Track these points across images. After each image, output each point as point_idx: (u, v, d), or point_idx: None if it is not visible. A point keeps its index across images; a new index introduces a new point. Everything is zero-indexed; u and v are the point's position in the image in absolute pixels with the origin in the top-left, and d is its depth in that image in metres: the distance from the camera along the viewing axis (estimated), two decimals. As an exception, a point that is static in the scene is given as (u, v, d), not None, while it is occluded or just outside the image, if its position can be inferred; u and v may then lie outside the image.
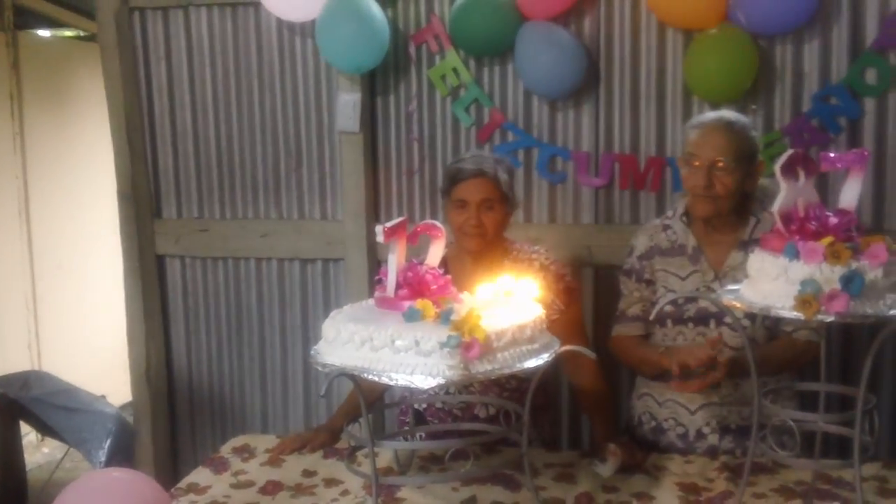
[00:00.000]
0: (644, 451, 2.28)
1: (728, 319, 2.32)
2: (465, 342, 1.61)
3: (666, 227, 2.48)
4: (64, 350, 5.40)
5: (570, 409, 3.15)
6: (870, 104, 2.89)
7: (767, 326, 2.36)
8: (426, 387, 1.63)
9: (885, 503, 1.97)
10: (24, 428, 4.56)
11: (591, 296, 3.12)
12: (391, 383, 1.64)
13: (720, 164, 2.30)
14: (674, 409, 2.42)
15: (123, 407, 4.42)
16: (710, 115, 2.45)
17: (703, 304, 2.36)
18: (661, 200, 3.03)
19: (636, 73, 3.03)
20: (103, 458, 3.96)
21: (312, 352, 1.79)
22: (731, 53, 2.80)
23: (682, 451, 2.36)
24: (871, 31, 2.86)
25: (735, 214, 2.37)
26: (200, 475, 2.26)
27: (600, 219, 3.12)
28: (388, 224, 1.80)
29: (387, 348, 1.65)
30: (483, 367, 1.64)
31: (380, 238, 1.79)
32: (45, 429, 4.27)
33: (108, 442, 4.00)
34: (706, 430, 2.39)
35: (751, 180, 2.35)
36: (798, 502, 1.98)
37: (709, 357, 2.12)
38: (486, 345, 1.63)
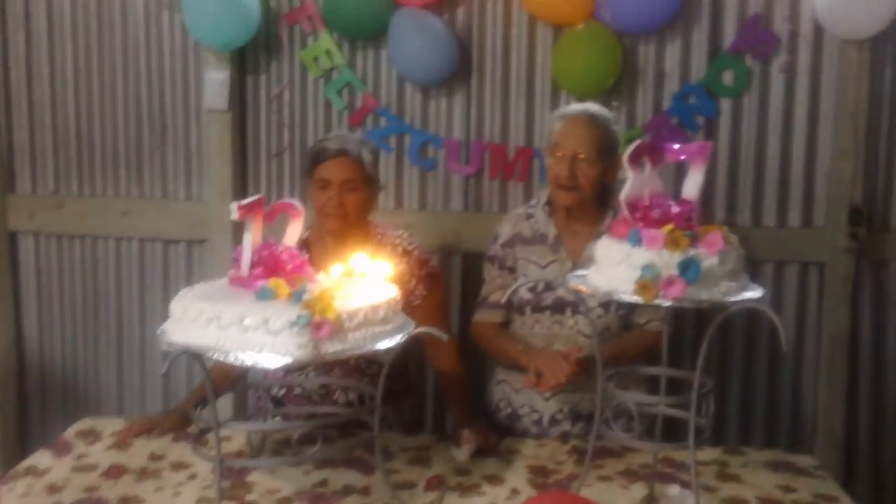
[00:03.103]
0: (498, 435, 2.32)
1: (583, 308, 2.38)
2: (315, 321, 1.59)
3: (529, 216, 2.52)
4: None
5: (435, 394, 3.16)
6: (726, 104, 3.02)
7: (621, 315, 2.43)
8: (274, 366, 1.61)
9: (723, 486, 2.05)
10: None
11: (459, 283, 3.15)
12: (237, 362, 1.60)
13: (582, 156, 2.36)
14: (529, 395, 2.46)
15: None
16: (575, 107, 2.51)
17: (560, 293, 2.41)
18: (528, 190, 3.08)
19: (507, 64, 3.07)
20: (-52, 445, 3.75)
21: (159, 331, 1.73)
22: (595, 50, 2.87)
23: (537, 437, 2.40)
24: (728, 34, 2.98)
25: (595, 206, 2.44)
26: (40, 458, 2.17)
27: (470, 206, 3.15)
28: (243, 202, 1.76)
29: (235, 327, 1.61)
30: (333, 348, 1.62)
31: (234, 216, 1.75)
32: None
33: (-46, 427, 3.78)
34: (560, 416, 2.44)
35: (611, 172, 2.42)
36: (640, 484, 2.04)
37: (567, 377, 2.17)
38: (336, 325, 1.61)
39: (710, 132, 3.03)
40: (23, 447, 3.44)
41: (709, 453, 2.23)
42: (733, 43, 2.97)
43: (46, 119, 3.32)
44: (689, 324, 3.03)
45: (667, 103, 3.02)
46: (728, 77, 2.99)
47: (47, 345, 3.45)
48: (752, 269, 3.04)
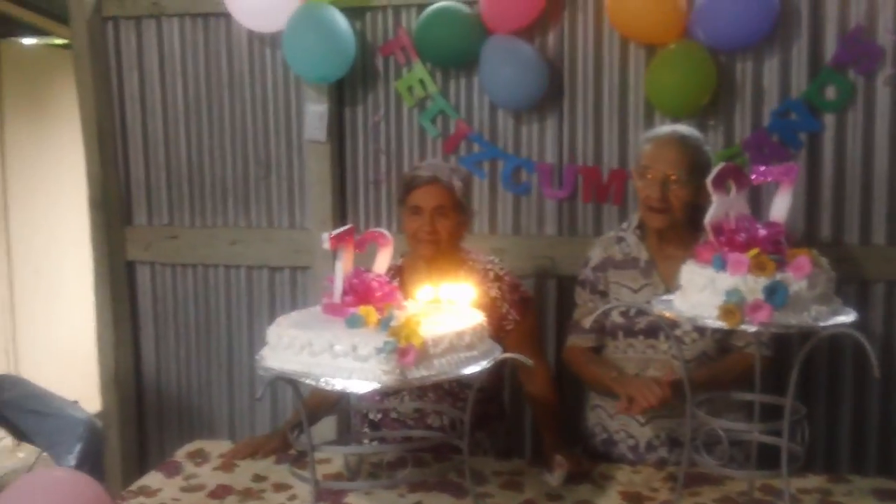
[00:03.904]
0: (591, 460, 2.30)
1: (678, 332, 2.35)
2: (401, 348, 1.63)
3: (620, 240, 2.51)
4: (41, 355, 5.42)
5: (533, 422, 3.15)
6: (829, 120, 2.92)
7: (717, 339, 2.38)
8: (362, 391, 1.65)
9: (824, 516, 2.00)
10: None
11: (554, 307, 3.15)
12: (328, 387, 1.66)
13: (673, 178, 2.34)
14: (625, 421, 2.44)
15: (99, 413, 4.43)
16: (665, 128, 2.49)
17: (654, 317, 2.38)
18: (623, 213, 3.05)
19: (599, 86, 3.06)
20: (73, 463, 3.97)
21: (257, 357, 1.81)
22: (689, 69, 2.83)
23: (633, 463, 2.37)
24: (830, 48, 2.89)
25: (688, 228, 2.40)
26: (152, 479, 2.28)
27: (564, 230, 3.15)
28: (334, 232, 1.83)
29: (326, 353, 1.67)
30: (419, 374, 1.66)
31: (325, 245, 1.82)
32: (17, 433, 4.29)
33: (79, 447, 4.01)
34: (656, 441, 2.41)
35: (703, 194, 2.37)
36: (737, 512, 2.00)
37: (660, 401, 2.14)
38: (422, 351, 1.65)
39: (814, 149, 2.94)
40: (141, 467, 3.62)
41: (812, 481, 2.16)
42: (835, 56, 2.88)
43: (160, 155, 3.52)
44: (797, 347, 2.93)
45: (766, 120, 2.95)
46: (830, 91, 2.90)
47: (164, 368, 3.63)
48: (861, 289, 2.93)
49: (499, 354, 1.79)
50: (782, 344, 2.59)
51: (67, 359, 5.46)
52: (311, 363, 1.68)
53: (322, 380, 1.65)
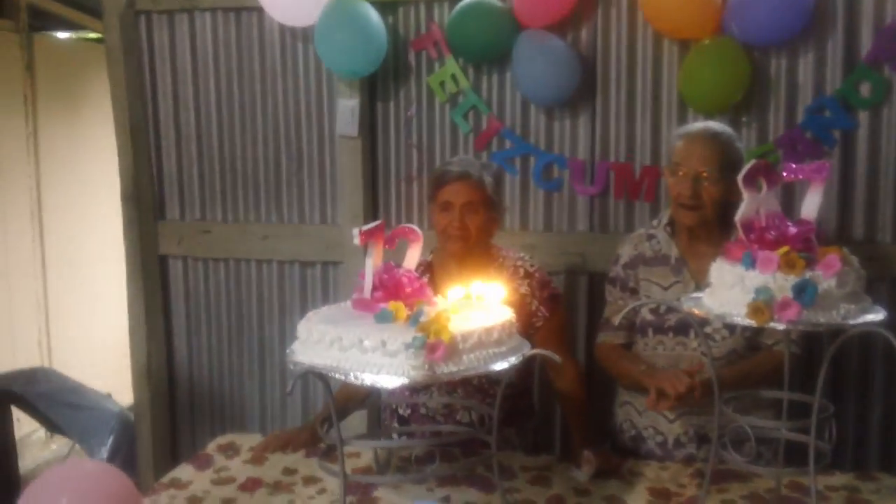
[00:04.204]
0: (620, 456, 2.30)
1: (708, 330, 2.34)
2: (430, 343, 1.64)
3: (650, 237, 2.50)
4: (73, 348, 5.49)
5: (563, 420, 3.15)
6: (864, 117, 2.89)
7: (748, 337, 2.37)
8: (391, 386, 1.67)
9: (852, 513, 1.99)
10: (33, 424, 4.65)
11: (585, 303, 3.15)
12: (357, 382, 1.68)
13: (704, 175, 2.33)
14: (653, 417, 2.44)
15: (132, 406, 4.49)
16: (696, 125, 2.48)
17: (684, 314, 2.37)
18: (655, 210, 3.03)
19: (632, 82, 3.05)
20: (105, 455, 4.03)
21: (288, 351, 1.83)
22: (723, 65, 2.81)
23: (661, 459, 2.37)
24: (865, 44, 2.86)
25: (719, 225, 2.39)
26: (183, 471, 2.31)
27: (595, 227, 3.14)
28: (364, 227, 1.84)
29: (355, 348, 1.69)
30: (448, 369, 1.67)
31: (356, 241, 1.83)
32: (50, 425, 4.35)
33: (111, 439, 4.08)
34: (684, 438, 2.40)
35: (735, 191, 2.35)
36: (765, 510, 1.99)
37: (687, 389, 2.12)
38: (451, 346, 1.66)
39: (848, 146, 2.91)
40: (173, 459, 3.66)
41: (840, 478, 2.16)
42: (869, 53, 2.84)
43: (192, 149, 3.54)
44: (827, 345, 2.90)
45: (800, 117, 2.92)
46: (865, 88, 2.86)
47: (195, 362, 3.66)
48: (894, 287, 2.90)
49: (527, 350, 1.80)
50: (812, 342, 2.58)
51: (100, 352, 5.53)
52: (341, 358, 1.69)
53: (351, 374, 1.67)
